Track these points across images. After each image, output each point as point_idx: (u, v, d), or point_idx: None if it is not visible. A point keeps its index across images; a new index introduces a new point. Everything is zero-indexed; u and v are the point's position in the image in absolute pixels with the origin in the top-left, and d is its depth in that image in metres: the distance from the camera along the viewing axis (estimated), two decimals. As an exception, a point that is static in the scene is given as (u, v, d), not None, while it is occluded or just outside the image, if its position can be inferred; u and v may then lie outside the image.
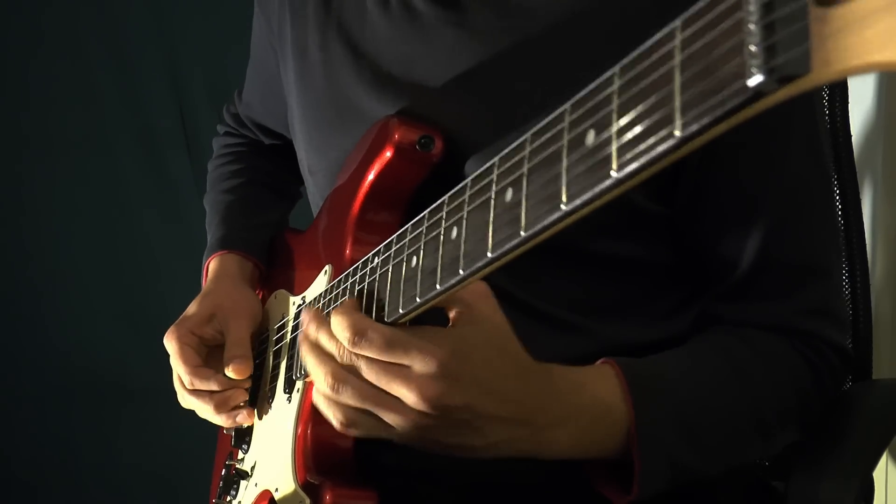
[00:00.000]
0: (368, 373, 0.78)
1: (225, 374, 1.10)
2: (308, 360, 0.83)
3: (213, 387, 1.09)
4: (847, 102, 1.11)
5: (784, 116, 0.90)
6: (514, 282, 0.93)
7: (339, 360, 0.80)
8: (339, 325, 0.79)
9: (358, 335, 0.77)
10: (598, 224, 0.83)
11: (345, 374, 0.79)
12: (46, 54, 2.27)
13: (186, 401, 1.12)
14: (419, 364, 0.75)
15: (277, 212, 1.33)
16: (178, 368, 1.11)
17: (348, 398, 0.79)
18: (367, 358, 0.77)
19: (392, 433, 0.80)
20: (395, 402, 0.78)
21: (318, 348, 0.82)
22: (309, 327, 0.84)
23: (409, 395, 0.76)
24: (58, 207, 2.31)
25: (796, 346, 0.95)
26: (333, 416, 0.82)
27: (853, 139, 1.15)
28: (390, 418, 0.78)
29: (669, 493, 0.91)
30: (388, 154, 0.95)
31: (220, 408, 1.10)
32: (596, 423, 0.85)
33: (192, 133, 2.35)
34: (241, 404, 1.12)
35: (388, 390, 0.77)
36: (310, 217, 1.22)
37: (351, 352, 0.78)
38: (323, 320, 0.83)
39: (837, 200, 1.15)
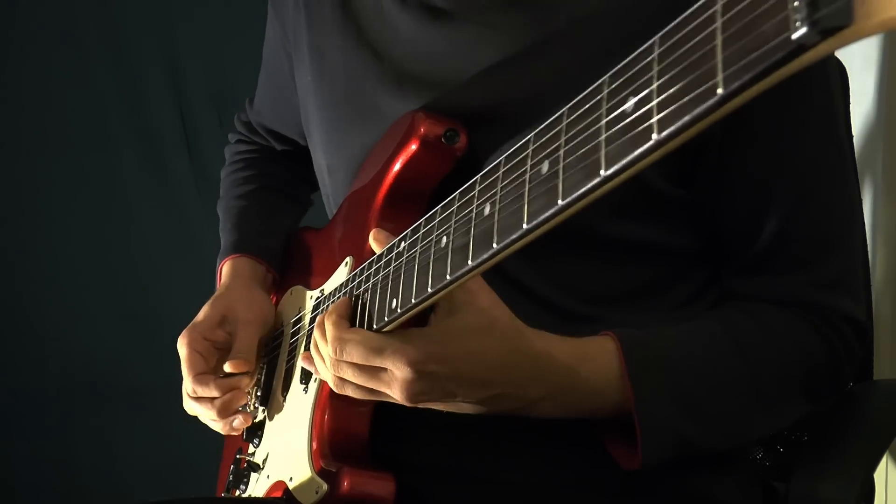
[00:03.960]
0: (354, 378, 0.87)
1: (223, 377, 1.13)
2: (316, 363, 0.92)
3: (213, 392, 1.12)
4: (848, 101, 1.11)
5: (802, 95, 0.92)
6: (524, 268, 0.96)
7: (332, 366, 0.88)
8: (321, 339, 0.88)
9: (339, 348, 0.86)
10: (615, 207, 0.87)
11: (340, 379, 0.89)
12: (45, 54, 2.28)
13: (190, 407, 1.15)
14: (394, 368, 0.83)
15: (290, 217, 1.34)
16: (184, 375, 1.13)
17: (352, 393, 0.89)
18: (352, 364, 0.86)
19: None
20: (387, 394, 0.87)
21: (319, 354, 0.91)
22: (314, 334, 0.92)
23: (393, 394, 0.85)
24: (57, 207, 2.31)
25: (808, 318, 0.96)
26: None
27: (853, 139, 1.15)
28: (390, 399, 0.87)
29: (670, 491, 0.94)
30: (414, 147, 0.97)
31: (221, 413, 1.12)
32: (591, 395, 0.90)
33: (192, 133, 2.36)
34: (243, 406, 1.15)
35: (377, 389, 0.86)
36: (319, 221, 1.24)
37: (337, 361, 0.87)
38: (322, 330, 0.90)
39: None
